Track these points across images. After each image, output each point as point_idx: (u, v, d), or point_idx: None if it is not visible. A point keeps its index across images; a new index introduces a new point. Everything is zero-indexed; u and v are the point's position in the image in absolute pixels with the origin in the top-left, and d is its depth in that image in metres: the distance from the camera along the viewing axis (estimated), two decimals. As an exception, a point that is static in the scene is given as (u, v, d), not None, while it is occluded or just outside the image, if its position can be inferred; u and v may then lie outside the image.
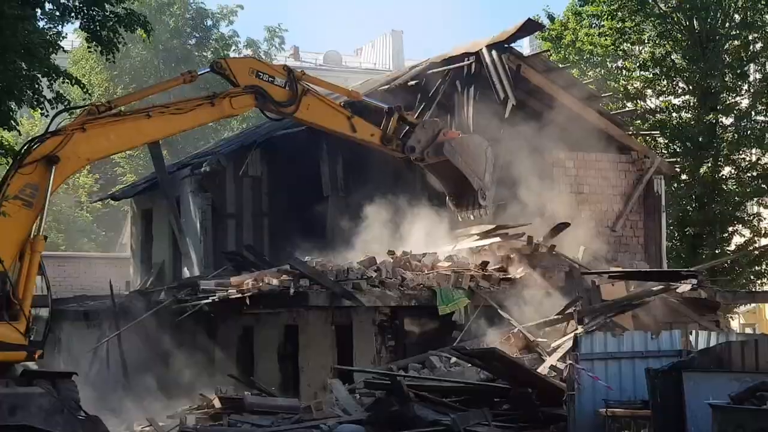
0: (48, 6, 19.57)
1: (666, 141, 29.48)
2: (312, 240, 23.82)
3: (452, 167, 19.11)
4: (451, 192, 19.97)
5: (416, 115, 24.14)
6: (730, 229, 29.72)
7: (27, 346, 15.29)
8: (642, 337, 14.63)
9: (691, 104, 29.31)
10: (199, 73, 18.10)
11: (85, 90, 20.61)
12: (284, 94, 17.68)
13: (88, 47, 21.49)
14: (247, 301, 20.10)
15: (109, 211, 45.88)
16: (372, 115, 19.37)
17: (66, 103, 18.28)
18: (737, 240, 30.34)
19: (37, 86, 18.83)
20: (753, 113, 29.65)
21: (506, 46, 23.38)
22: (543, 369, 16.56)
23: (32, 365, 15.99)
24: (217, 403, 17.72)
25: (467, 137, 19.91)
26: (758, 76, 29.95)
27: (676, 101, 30.06)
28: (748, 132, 28.97)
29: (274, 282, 20.19)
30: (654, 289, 19.51)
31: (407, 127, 18.76)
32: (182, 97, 17.42)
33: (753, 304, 33.96)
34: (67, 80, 19.67)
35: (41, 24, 19.47)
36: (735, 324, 34.92)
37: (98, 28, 19.42)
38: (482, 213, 19.75)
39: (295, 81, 17.78)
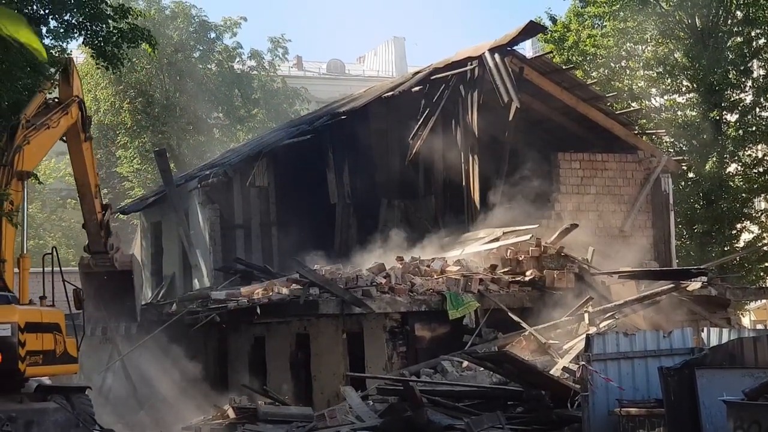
0: (52, 23, 19.69)
1: (672, 139, 29.49)
2: (320, 248, 23.86)
3: (124, 280, 20.83)
4: (100, 300, 21.04)
5: (420, 121, 24.25)
6: (739, 225, 29.71)
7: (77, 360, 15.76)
8: (654, 335, 14.59)
9: (696, 101, 29.31)
10: (56, 77, 18.88)
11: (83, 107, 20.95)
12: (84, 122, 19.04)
13: (96, 64, 21.60)
14: (258, 311, 20.15)
15: (119, 225, 45.88)
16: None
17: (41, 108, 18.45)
18: (746, 237, 30.32)
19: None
20: (757, 109, 29.67)
21: (509, 49, 23.41)
22: (555, 371, 16.53)
23: (46, 380, 16.07)
24: (231, 414, 17.74)
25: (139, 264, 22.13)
26: (762, 72, 29.97)
27: (681, 99, 30.09)
28: (753, 128, 28.97)
29: (284, 291, 20.24)
30: (664, 287, 19.49)
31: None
32: None
33: (763, 300, 33.91)
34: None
35: (46, 41, 19.56)
36: (746, 321, 34.90)
37: (102, 44, 19.53)
38: (133, 328, 21.81)
39: (88, 120, 19.20)
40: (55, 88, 18.32)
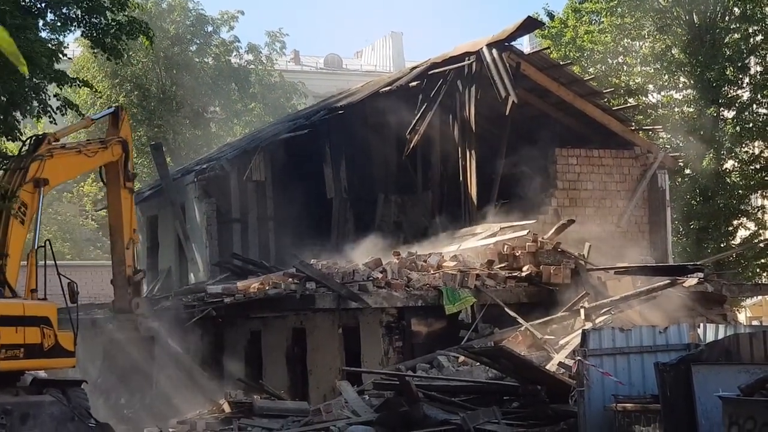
0: (50, 16, 19.68)
1: (668, 135, 29.51)
2: (317, 242, 23.86)
3: (146, 348, 20.43)
4: (120, 366, 20.60)
5: (418, 116, 24.22)
6: (735, 222, 29.72)
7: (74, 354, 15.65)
8: (650, 331, 14.57)
9: (693, 98, 29.33)
10: (95, 117, 19.87)
11: (95, 91, 21.15)
12: (131, 167, 19.44)
13: (94, 52, 21.63)
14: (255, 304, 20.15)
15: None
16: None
17: (74, 109, 18.70)
18: (742, 233, 30.35)
19: (42, 96, 18.99)
20: (754, 106, 29.69)
21: (506, 44, 23.40)
22: (551, 366, 16.54)
23: (42, 373, 16.05)
24: (226, 408, 17.72)
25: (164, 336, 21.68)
26: (759, 68, 29.98)
27: (678, 96, 30.11)
28: (750, 124, 28.99)
29: (280, 285, 20.22)
30: (660, 283, 19.49)
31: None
32: None
33: (759, 297, 33.96)
34: (75, 85, 19.92)
35: (43, 34, 19.56)
36: (742, 317, 34.94)
37: (101, 36, 19.53)
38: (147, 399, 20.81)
39: (132, 174, 19.60)
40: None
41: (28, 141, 17.14)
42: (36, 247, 16.20)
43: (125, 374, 20.40)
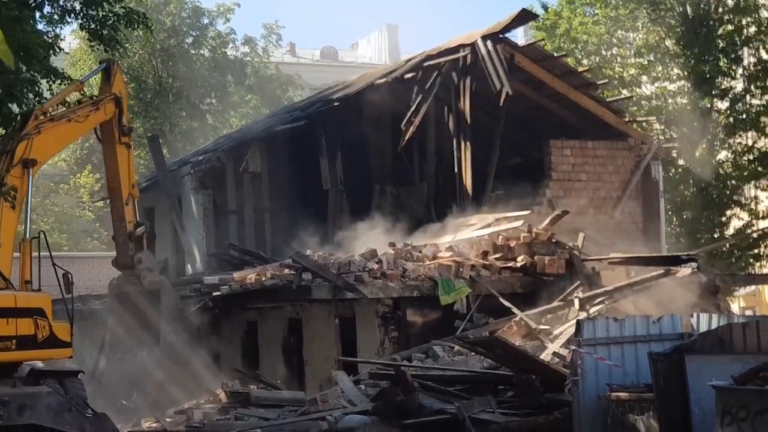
0: (47, 9, 19.68)
1: (662, 127, 29.59)
2: (313, 233, 23.93)
3: (152, 302, 20.22)
4: (127, 322, 20.56)
5: (413, 108, 24.29)
6: (728, 212, 29.80)
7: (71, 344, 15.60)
8: (643, 321, 14.63)
9: (686, 89, 29.39)
10: (85, 79, 19.94)
11: (82, 93, 20.93)
12: (126, 121, 19.23)
13: (91, 45, 21.63)
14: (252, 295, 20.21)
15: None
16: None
17: (66, 105, 18.59)
18: (735, 223, 30.45)
19: (38, 89, 18.99)
20: (747, 97, 29.75)
21: (501, 36, 23.46)
22: (546, 356, 16.65)
23: (39, 364, 16.09)
24: (223, 398, 17.81)
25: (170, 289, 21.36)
26: (752, 59, 30.04)
27: (672, 87, 30.17)
28: (743, 116, 29.06)
29: (278, 276, 20.30)
30: (654, 274, 19.59)
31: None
32: None
33: (752, 287, 34.09)
34: (65, 82, 19.85)
35: (40, 27, 19.56)
36: (735, 307, 35.05)
37: (98, 27, 19.55)
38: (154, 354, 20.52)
39: (128, 128, 19.40)
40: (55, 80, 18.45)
41: (16, 119, 16.93)
42: (29, 237, 16.13)
43: (133, 330, 20.33)
